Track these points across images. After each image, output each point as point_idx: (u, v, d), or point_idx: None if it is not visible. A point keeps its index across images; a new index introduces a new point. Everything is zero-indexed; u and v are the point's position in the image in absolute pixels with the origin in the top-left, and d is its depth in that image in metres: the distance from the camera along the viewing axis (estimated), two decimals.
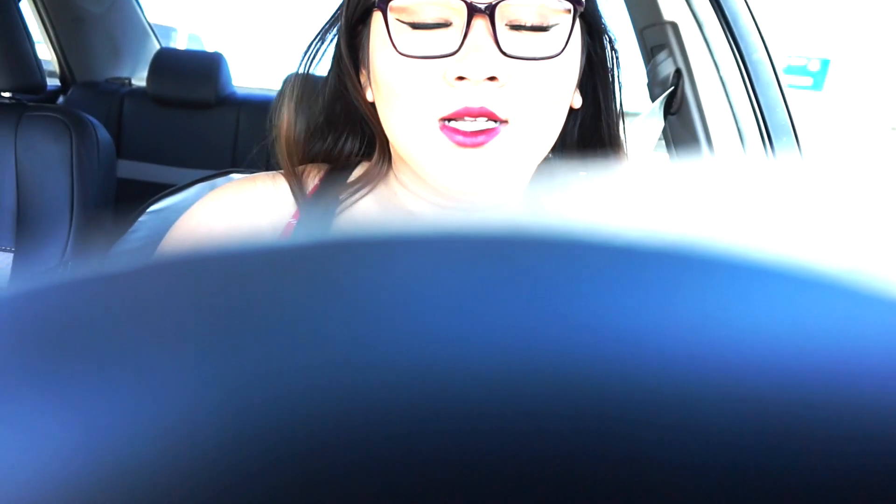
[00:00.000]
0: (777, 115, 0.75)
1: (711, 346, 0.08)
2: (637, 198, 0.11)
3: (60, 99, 1.92)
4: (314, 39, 0.50)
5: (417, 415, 0.08)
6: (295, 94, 0.50)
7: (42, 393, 0.08)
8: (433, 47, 0.42)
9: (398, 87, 0.42)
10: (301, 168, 0.52)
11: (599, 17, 0.48)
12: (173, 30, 2.03)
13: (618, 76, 0.50)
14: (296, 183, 0.50)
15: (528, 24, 0.42)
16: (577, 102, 0.48)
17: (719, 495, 0.07)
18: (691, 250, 0.09)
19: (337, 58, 0.49)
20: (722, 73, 0.77)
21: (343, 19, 0.47)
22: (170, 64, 1.83)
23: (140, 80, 1.97)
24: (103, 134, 1.09)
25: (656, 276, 0.09)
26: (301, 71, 0.50)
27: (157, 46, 2.06)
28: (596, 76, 0.49)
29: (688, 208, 0.11)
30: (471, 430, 0.08)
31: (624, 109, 0.51)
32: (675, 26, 0.80)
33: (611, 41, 0.49)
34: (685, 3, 0.78)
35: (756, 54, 0.77)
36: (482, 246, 0.09)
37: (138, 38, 2.06)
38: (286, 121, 0.50)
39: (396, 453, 0.08)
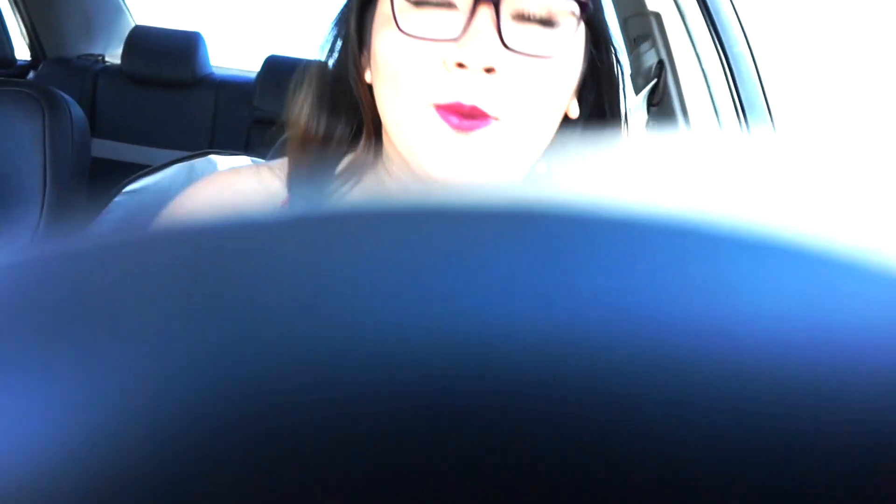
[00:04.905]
0: (757, 109, 0.76)
1: (722, 327, 0.08)
2: (633, 172, 0.11)
3: (31, 75, 1.86)
4: (333, 26, 0.49)
5: (408, 400, 0.08)
6: (315, 84, 0.49)
7: (21, 365, 0.08)
8: (435, 29, 0.42)
9: (396, 66, 0.42)
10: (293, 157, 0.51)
11: (606, 27, 0.48)
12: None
13: (623, 87, 0.50)
14: (300, 170, 0.49)
15: (534, 17, 0.42)
16: (574, 112, 0.47)
17: (731, 482, 0.08)
18: (698, 226, 0.09)
19: (345, 35, 0.48)
20: (704, 66, 0.78)
21: None
22: (146, 42, 1.79)
23: (114, 57, 1.92)
24: (77, 111, 1.06)
25: (661, 252, 0.08)
26: (323, 57, 0.49)
27: (132, 23, 2.01)
28: (602, 87, 0.48)
29: (684, 184, 0.11)
30: (467, 417, 0.08)
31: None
32: (658, 17, 0.80)
33: (615, 53, 0.49)
34: None
35: (737, 47, 0.78)
36: (482, 220, 0.09)
37: (112, 13, 2.01)
38: (307, 111, 0.49)
39: (382, 436, 0.08)
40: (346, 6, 0.49)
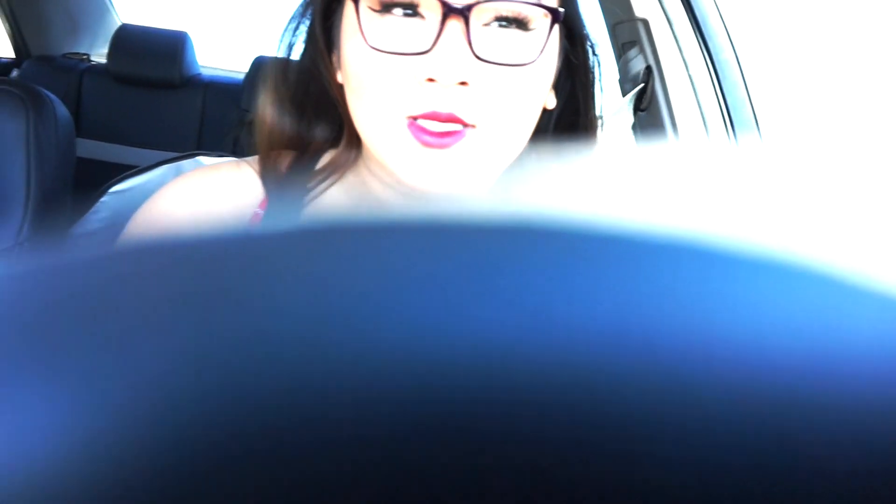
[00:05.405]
0: (743, 115, 0.77)
1: (706, 339, 0.08)
2: (611, 185, 0.11)
3: (14, 73, 1.84)
4: (292, 20, 0.49)
5: (408, 411, 0.08)
6: (281, 78, 0.48)
7: (21, 372, 0.08)
8: (404, 43, 0.41)
9: (367, 81, 0.42)
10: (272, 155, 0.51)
11: (581, 22, 0.47)
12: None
13: (599, 81, 0.50)
14: (272, 170, 0.49)
15: (507, 24, 0.42)
16: (551, 104, 0.47)
17: (714, 493, 0.08)
18: (684, 241, 0.09)
19: (310, 37, 0.48)
20: (691, 72, 0.79)
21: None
22: (132, 41, 1.77)
23: (99, 56, 1.90)
24: (62, 111, 1.05)
25: (648, 267, 0.09)
26: (282, 54, 0.49)
27: (118, 22, 1.99)
28: (576, 80, 0.48)
29: (671, 191, 0.11)
30: (459, 427, 0.08)
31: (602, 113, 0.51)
32: (646, 23, 0.81)
33: (592, 46, 0.49)
34: (657, 0, 0.79)
35: (723, 54, 0.79)
36: (486, 234, 0.09)
37: (98, 12, 1.99)
38: (271, 106, 0.49)
39: (378, 452, 0.08)
40: (304, 6, 0.48)
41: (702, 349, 0.08)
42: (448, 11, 0.40)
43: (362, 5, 0.41)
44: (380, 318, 0.08)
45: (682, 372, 0.08)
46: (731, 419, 0.08)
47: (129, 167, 0.72)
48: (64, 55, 1.88)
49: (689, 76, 0.78)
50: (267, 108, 0.49)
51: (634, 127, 0.84)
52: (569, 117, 0.49)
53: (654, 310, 0.08)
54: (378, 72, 0.41)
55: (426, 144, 0.41)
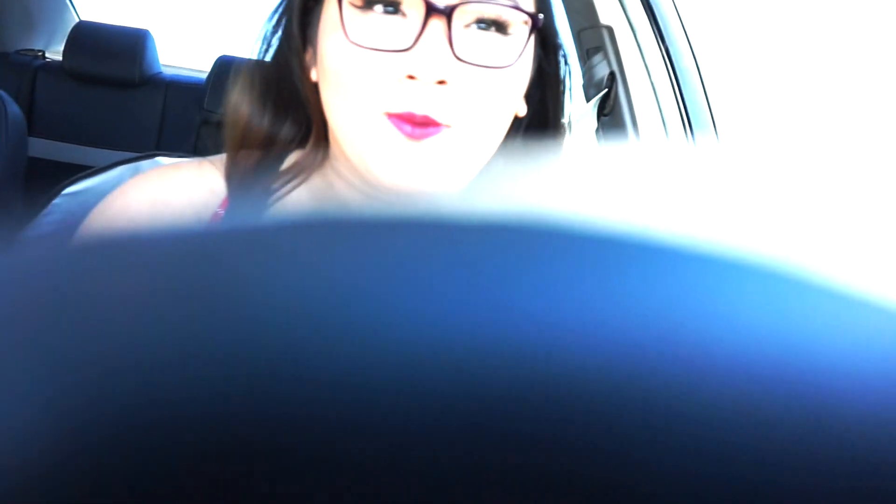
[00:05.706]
0: (701, 118, 0.79)
1: (696, 342, 0.08)
2: (576, 187, 0.11)
3: None
4: (270, 20, 0.48)
5: (379, 406, 0.08)
6: (255, 79, 0.48)
7: None
8: (385, 39, 0.41)
9: (345, 76, 0.42)
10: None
11: (556, 32, 0.49)
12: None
13: (569, 90, 0.51)
14: (237, 170, 0.48)
15: (487, 27, 0.43)
16: (522, 111, 0.48)
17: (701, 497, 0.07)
18: (656, 241, 0.09)
19: (287, 34, 0.48)
20: (653, 78, 0.81)
21: None
22: (90, 38, 1.73)
23: (55, 53, 1.85)
24: (13, 108, 1.01)
25: (624, 267, 0.08)
26: (258, 54, 0.48)
27: (76, 19, 1.94)
28: (546, 88, 0.49)
29: (632, 192, 0.11)
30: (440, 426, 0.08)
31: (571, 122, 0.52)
32: (610, 30, 0.82)
33: (565, 57, 0.50)
34: (621, 8, 0.81)
35: (684, 61, 0.81)
36: (435, 231, 0.09)
37: (54, 8, 1.93)
38: (246, 108, 0.48)
39: (350, 446, 0.08)
40: (285, 3, 0.48)
41: (661, 348, 0.08)
42: (431, 11, 0.41)
43: (345, 1, 0.42)
44: (350, 316, 0.08)
45: (646, 373, 0.08)
46: (716, 423, 0.08)
47: (85, 167, 0.70)
48: (18, 51, 1.83)
49: (651, 82, 0.80)
50: (240, 107, 0.48)
51: (598, 131, 0.85)
52: (537, 125, 0.50)
53: (629, 311, 0.08)
54: (357, 67, 0.42)
55: (409, 136, 0.41)
